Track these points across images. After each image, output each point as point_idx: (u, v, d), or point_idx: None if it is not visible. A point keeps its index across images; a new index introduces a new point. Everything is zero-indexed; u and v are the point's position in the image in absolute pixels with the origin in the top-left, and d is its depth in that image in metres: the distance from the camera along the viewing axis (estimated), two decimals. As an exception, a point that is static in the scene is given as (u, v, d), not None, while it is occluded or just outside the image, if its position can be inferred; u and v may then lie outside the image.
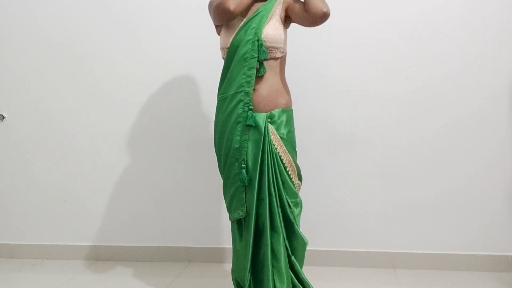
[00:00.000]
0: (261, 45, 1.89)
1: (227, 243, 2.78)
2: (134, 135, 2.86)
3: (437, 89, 2.57)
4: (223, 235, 2.80)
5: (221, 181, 2.08)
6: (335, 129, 2.67)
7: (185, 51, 2.74)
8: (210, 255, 2.82)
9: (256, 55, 1.89)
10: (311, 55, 2.62)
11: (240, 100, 1.93)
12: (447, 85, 2.56)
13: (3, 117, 2.96)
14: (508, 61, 2.50)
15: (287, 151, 1.96)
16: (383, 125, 2.63)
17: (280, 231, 1.93)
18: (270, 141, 1.92)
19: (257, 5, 1.98)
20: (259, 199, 1.92)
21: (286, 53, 2.03)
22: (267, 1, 1.97)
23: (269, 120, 1.94)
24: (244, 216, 1.97)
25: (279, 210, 1.93)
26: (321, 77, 2.58)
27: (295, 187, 2.00)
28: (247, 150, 1.93)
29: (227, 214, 2.08)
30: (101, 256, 2.93)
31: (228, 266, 2.68)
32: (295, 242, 1.99)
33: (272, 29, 1.93)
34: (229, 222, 2.09)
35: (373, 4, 2.58)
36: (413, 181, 2.62)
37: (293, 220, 1.96)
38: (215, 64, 2.14)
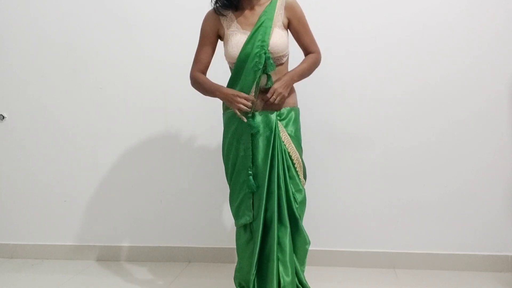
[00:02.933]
0: (269, 57, 1.93)
1: (227, 243, 2.78)
2: (134, 135, 2.86)
3: (437, 90, 2.57)
4: (223, 235, 2.79)
5: (221, 181, 2.09)
6: (336, 130, 2.67)
7: (185, 51, 2.71)
8: (210, 255, 2.82)
9: (263, 68, 1.93)
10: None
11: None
12: (448, 86, 2.56)
13: (3, 117, 2.96)
14: (508, 62, 2.50)
15: (294, 148, 2.00)
16: (383, 126, 2.63)
17: (287, 224, 1.96)
18: (279, 138, 1.96)
19: (258, 13, 1.99)
20: (268, 193, 1.95)
21: (289, 54, 2.06)
22: (267, 7, 1.98)
23: (278, 118, 1.98)
24: (251, 221, 2.00)
25: (286, 205, 1.96)
26: (322, 78, 2.57)
27: (301, 184, 2.02)
28: (253, 157, 1.96)
29: (228, 214, 2.09)
30: (101, 256, 2.93)
31: (228, 266, 2.68)
32: (297, 240, 2.01)
33: (278, 38, 1.96)
34: (230, 222, 2.09)
35: (373, 6, 2.58)
36: (414, 181, 2.62)
37: (298, 216, 1.99)
38: (215, 65, 2.14)
